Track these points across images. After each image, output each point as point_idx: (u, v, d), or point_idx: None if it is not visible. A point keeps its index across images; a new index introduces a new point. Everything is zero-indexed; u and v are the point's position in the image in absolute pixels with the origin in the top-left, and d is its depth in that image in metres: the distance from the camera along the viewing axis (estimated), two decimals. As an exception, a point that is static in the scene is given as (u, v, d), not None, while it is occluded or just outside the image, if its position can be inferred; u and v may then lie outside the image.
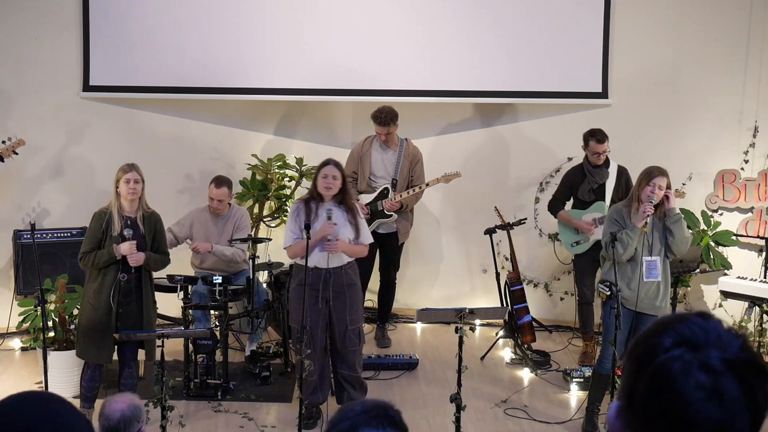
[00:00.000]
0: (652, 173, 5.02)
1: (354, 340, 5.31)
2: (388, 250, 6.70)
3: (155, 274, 6.06)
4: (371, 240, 5.48)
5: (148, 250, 5.02)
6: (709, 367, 1.14)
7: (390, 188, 6.53)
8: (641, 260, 5.02)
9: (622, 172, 6.40)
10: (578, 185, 6.39)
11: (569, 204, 6.57)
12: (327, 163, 5.27)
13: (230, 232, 6.31)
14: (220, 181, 6.29)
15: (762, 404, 1.16)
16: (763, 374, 1.17)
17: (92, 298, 4.95)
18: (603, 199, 6.34)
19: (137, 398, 3.52)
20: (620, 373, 4.95)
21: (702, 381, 1.13)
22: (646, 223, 4.98)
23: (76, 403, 5.28)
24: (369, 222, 6.48)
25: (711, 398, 1.12)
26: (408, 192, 6.53)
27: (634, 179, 6.41)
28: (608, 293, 5.00)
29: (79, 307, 5.68)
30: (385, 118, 6.39)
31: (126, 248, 4.88)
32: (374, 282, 6.87)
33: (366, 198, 6.53)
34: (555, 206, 6.55)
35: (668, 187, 5.04)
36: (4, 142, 6.23)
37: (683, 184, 7.09)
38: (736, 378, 1.13)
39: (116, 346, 5.07)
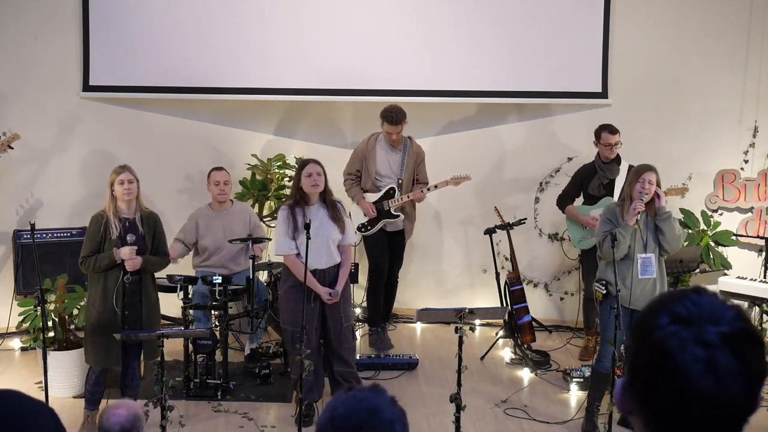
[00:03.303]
0: (641, 170, 5.05)
1: (349, 337, 5.38)
2: (395, 247, 6.70)
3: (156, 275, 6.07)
4: (355, 240, 5.48)
5: (149, 251, 5.00)
6: (705, 342, 1.19)
7: (396, 188, 6.52)
8: (636, 257, 5.03)
9: None
10: (589, 181, 6.40)
11: (579, 200, 6.56)
12: (308, 162, 5.29)
13: (234, 228, 6.30)
14: (218, 167, 6.44)
15: (757, 372, 1.21)
16: (758, 343, 1.22)
17: (98, 302, 4.93)
18: (612, 195, 6.33)
19: (136, 406, 3.52)
20: (620, 373, 4.96)
21: (698, 355, 1.18)
22: (637, 220, 4.99)
23: (79, 403, 5.31)
24: (375, 221, 6.48)
25: (708, 371, 1.18)
26: (418, 192, 6.53)
27: None
28: (604, 292, 5.02)
29: (79, 307, 5.67)
30: (397, 117, 6.35)
31: (126, 252, 4.87)
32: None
33: (371, 197, 6.51)
34: (564, 201, 6.55)
35: (658, 184, 5.05)
36: None
37: (683, 184, 7.08)
38: (731, 350, 1.19)
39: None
